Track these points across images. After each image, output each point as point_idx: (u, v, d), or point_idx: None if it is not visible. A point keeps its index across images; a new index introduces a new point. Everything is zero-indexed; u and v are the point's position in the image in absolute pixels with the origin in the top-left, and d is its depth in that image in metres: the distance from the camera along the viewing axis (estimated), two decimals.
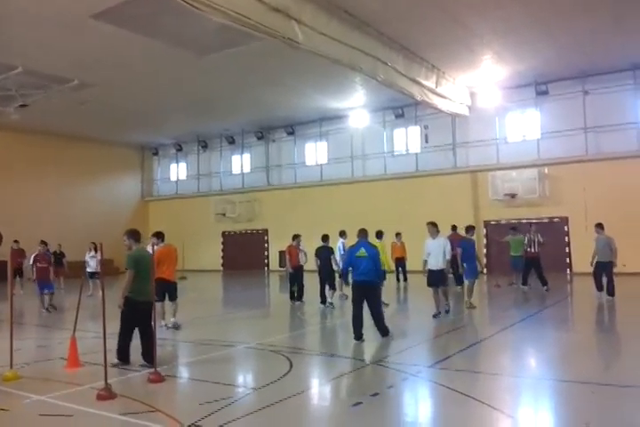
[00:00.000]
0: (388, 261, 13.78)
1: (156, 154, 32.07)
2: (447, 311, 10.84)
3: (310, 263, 13.53)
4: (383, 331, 8.66)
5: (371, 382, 6.43)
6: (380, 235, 13.26)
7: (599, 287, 12.76)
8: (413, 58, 16.82)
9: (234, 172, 29.34)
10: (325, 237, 13.20)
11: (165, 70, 17.70)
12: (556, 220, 20.29)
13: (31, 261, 13.00)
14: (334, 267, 12.89)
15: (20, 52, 15.52)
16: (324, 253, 12.91)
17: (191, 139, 29.56)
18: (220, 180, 29.44)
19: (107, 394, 5.66)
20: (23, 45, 15.06)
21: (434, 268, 10.49)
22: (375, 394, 5.80)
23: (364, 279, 8.50)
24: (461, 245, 12.18)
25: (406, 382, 6.30)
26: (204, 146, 29.67)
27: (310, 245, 15.37)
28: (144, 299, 7.13)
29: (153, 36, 14.54)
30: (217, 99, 21.39)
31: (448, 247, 10.41)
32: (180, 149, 30.72)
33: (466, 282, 12.36)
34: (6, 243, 16.68)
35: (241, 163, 29.03)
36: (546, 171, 20.47)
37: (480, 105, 21.14)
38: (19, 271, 17.01)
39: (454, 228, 16.39)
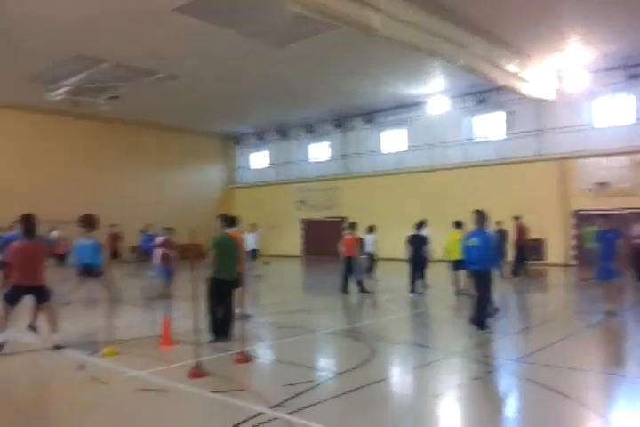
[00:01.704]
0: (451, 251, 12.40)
1: (237, 143, 32.93)
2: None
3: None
4: (479, 323, 8.39)
5: (454, 374, 6.39)
6: (459, 225, 12.85)
7: None
8: (495, 42, 16.21)
9: (312, 160, 29.65)
10: (419, 225, 13.03)
11: (246, 61, 18.05)
12: None
13: (155, 246, 13.06)
14: (427, 256, 12.73)
15: (108, 46, 16.27)
16: (417, 241, 12.71)
17: (271, 128, 30.07)
18: (299, 168, 29.84)
19: (198, 372, 5.97)
20: (111, 39, 15.78)
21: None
22: (459, 385, 5.78)
23: (475, 269, 8.44)
24: (602, 237, 9.58)
25: (491, 374, 6.21)
26: (284, 134, 30.14)
27: (388, 234, 15.42)
28: (226, 278, 7.69)
29: (233, 27, 14.82)
30: (296, 88, 21.63)
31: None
32: (260, 138, 31.40)
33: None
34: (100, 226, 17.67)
35: (319, 151, 29.27)
36: (639, 159, 19.23)
37: (567, 89, 20.08)
38: (115, 254, 17.99)
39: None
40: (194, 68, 18.71)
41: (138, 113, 25.37)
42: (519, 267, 16.05)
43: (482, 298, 8.43)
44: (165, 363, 6.63)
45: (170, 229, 12.92)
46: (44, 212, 21.98)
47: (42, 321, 8.05)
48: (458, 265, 11.89)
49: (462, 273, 11.84)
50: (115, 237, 17.12)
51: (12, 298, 7.48)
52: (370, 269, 15.43)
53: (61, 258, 17.67)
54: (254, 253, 17.42)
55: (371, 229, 15.26)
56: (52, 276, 8.14)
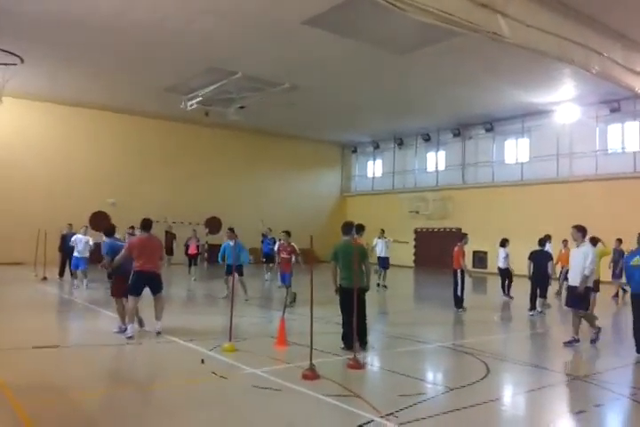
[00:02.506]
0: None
1: (354, 151, 33.38)
2: (593, 341, 8.61)
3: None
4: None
5: (575, 399, 6.05)
6: (595, 242, 11.74)
7: None
8: (632, 46, 15.07)
9: (428, 169, 29.29)
10: (543, 241, 12.41)
11: (365, 71, 18.31)
12: None
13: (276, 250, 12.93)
14: (550, 273, 12.05)
15: (240, 59, 17.29)
16: (540, 257, 12.04)
17: (388, 136, 30.17)
18: (415, 177, 29.59)
19: (311, 374, 6.12)
20: (242, 53, 16.75)
21: (572, 283, 8.63)
22: (580, 412, 5.46)
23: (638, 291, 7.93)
24: None
25: (618, 402, 5.79)
26: (400, 143, 30.10)
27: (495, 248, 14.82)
28: (348, 286, 7.66)
29: (356, 37, 15.13)
30: (413, 97, 21.56)
31: (590, 258, 8.34)
32: (377, 147, 31.59)
33: None
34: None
35: (436, 160, 28.86)
36: None
37: None
38: None
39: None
40: (315, 79, 19.30)
41: (262, 122, 26.53)
42: None
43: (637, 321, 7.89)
44: (280, 363, 6.89)
45: (286, 233, 12.60)
46: (172, 214, 23.98)
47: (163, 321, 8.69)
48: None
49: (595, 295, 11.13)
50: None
51: (136, 287, 8.44)
52: (502, 284, 14.83)
53: (193, 257, 18.85)
54: (385, 262, 17.31)
55: (502, 243, 14.65)
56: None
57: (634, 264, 7.88)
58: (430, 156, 29.26)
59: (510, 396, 6.23)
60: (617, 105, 21.01)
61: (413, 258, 29.08)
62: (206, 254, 22.29)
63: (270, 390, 5.74)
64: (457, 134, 27.02)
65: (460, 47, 15.29)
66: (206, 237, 21.93)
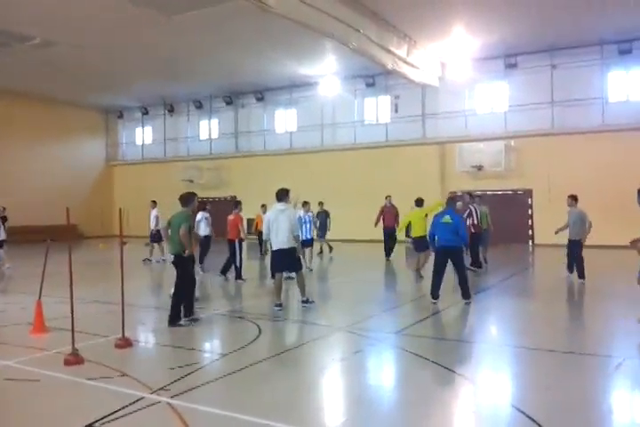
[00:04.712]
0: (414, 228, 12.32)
1: (120, 117, 31.22)
2: (304, 302, 8.91)
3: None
4: (466, 294, 8.98)
5: (338, 348, 6.60)
6: (420, 203, 12.66)
7: (570, 268, 11.59)
8: (386, 26, 16.63)
9: (201, 137, 28.85)
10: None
11: (132, 30, 17.04)
12: (520, 192, 20.71)
13: None
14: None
15: None
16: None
17: (157, 102, 28.80)
18: (188, 145, 28.96)
19: (74, 359, 5.65)
20: None
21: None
22: (342, 359, 5.99)
23: (449, 245, 8.89)
24: None
25: (372, 347, 6.49)
26: (171, 110, 29.00)
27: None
28: (172, 253, 7.84)
29: None
30: (184, 61, 20.85)
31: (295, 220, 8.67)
32: (145, 113, 29.98)
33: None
34: None
35: (209, 128, 28.52)
36: (512, 144, 20.73)
37: (450, 76, 21.10)
38: None
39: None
40: (75, 36, 17.41)
41: (9, 82, 23.27)
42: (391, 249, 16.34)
43: (461, 272, 9.00)
44: (37, 351, 6.22)
45: None
46: None
47: None
48: (419, 243, 12.06)
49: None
50: None
51: None
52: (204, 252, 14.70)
53: None
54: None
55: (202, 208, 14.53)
56: None
57: (444, 222, 8.97)
58: (203, 123, 28.82)
59: (280, 352, 6.52)
60: (372, 80, 23.04)
61: None
62: None
63: (27, 382, 5.18)
64: (229, 102, 27.01)
65: (230, 13, 15.06)
66: None
